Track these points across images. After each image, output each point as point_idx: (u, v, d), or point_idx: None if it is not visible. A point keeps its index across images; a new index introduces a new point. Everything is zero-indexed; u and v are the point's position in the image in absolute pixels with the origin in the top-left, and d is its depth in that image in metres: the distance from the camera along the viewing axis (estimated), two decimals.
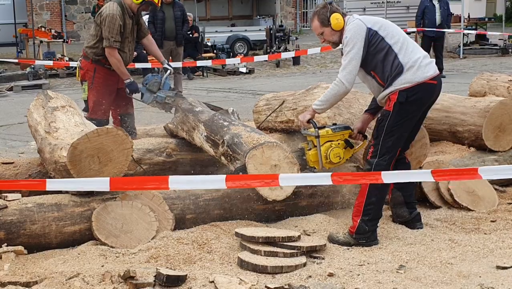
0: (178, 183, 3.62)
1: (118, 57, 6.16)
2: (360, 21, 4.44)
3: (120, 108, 6.44)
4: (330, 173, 3.55)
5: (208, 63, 13.93)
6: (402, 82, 4.34)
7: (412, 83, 4.33)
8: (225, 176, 3.59)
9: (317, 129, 4.64)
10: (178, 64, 11.93)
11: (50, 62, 13.98)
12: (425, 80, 4.36)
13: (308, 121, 4.66)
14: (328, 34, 4.55)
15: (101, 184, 3.71)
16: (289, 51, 18.41)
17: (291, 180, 4.02)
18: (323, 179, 3.57)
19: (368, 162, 4.47)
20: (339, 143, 4.67)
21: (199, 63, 12.84)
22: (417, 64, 4.36)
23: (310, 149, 4.74)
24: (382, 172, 3.63)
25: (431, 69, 4.42)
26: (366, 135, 4.80)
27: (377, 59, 4.40)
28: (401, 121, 4.37)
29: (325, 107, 4.63)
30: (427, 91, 4.41)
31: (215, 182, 3.70)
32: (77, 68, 6.54)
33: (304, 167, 4.79)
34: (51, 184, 3.59)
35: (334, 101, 4.60)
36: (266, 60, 18.56)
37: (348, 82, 4.41)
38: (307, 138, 4.80)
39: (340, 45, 4.55)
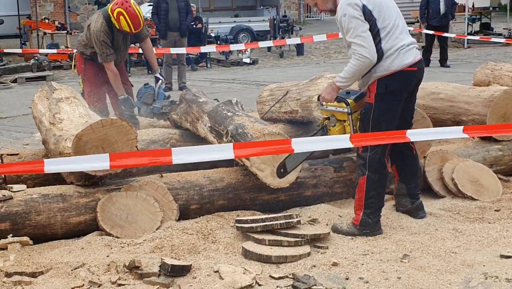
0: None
1: (114, 70, 6.27)
2: None
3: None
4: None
5: (213, 48, 13.97)
6: (380, 69, 4.28)
7: (389, 71, 4.27)
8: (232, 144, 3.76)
9: (348, 106, 4.47)
10: (183, 51, 12.03)
11: (54, 51, 14.09)
12: (403, 68, 4.29)
13: (335, 98, 4.49)
14: (321, 3, 4.49)
15: (101, 161, 3.75)
16: None
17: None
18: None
19: (360, 156, 4.41)
20: None
21: (203, 49, 12.86)
22: (397, 52, 4.28)
23: (334, 125, 4.58)
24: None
25: (410, 56, 4.33)
26: None
27: None
28: (385, 112, 4.31)
29: (350, 83, 4.46)
30: (406, 79, 4.33)
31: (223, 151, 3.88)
32: (73, 60, 6.66)
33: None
34: (50, 166, 3.63)
35: (359, 76, 4.40)
36: (269, 51, 18.57)
37: (371, 55, 4.22)
38: (324, 114, 4.63)
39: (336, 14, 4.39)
